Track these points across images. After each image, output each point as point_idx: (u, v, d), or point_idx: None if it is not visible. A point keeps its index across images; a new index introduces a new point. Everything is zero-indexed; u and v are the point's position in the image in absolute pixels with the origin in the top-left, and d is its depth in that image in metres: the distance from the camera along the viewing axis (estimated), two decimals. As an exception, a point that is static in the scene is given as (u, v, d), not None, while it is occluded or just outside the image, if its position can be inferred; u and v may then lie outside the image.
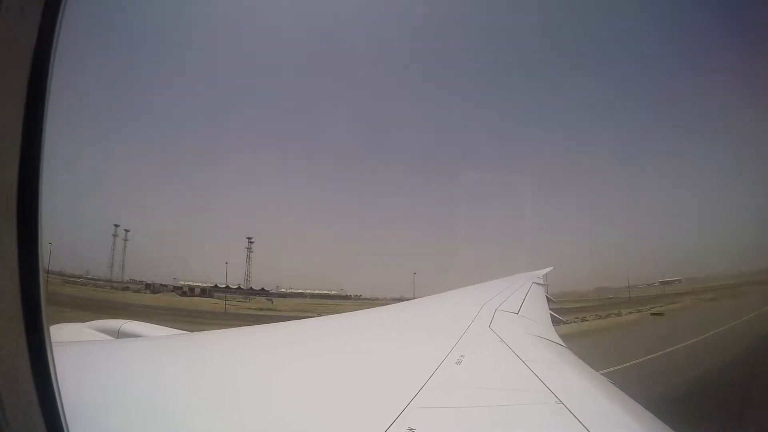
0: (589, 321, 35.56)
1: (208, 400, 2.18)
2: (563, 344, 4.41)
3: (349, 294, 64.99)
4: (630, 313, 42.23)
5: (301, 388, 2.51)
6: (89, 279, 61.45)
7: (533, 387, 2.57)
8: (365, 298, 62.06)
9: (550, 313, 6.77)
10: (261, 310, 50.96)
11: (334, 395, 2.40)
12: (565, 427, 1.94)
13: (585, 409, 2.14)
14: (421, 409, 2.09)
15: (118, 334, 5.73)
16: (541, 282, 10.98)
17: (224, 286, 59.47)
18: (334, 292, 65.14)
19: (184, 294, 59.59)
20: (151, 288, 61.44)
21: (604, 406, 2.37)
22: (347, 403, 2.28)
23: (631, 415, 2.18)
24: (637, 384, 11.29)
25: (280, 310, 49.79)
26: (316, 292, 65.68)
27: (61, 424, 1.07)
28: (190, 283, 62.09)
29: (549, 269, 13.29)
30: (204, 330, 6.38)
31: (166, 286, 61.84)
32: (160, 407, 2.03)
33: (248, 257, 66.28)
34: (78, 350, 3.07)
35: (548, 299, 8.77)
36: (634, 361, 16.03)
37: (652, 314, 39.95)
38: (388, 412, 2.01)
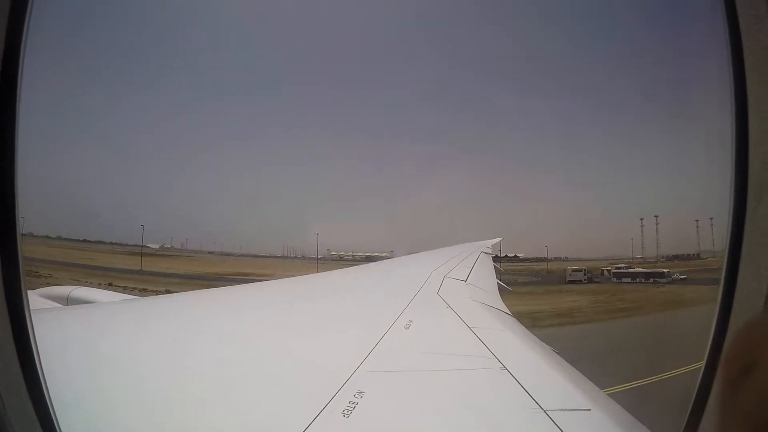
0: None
1: (161, 367, 2.07)
2: (509, 312, 4.59)
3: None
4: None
5: (253, 353, 2.43)
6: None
7: (478, 353, 2.62)
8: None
9: (498, 282, 7.06)
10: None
11: (286, 359, 2.35)
12: (509, 391, 1.97)
13: (527, 375, 2.20)
14: (369, 373, 2.08)
15: (68, 301, 5.61)
16: (490, 251, 11.44)
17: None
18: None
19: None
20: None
21: (546, 372, 2.46)
22: (298, 366, 2.22)
23: (571, 381, 2.27)
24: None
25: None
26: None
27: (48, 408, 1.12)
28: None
29: (498, 239, 13.86)
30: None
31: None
32: (110, 376, 1.89)
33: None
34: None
35: (496, 269, 9.16)
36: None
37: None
38: (338, 375, 1.99)
